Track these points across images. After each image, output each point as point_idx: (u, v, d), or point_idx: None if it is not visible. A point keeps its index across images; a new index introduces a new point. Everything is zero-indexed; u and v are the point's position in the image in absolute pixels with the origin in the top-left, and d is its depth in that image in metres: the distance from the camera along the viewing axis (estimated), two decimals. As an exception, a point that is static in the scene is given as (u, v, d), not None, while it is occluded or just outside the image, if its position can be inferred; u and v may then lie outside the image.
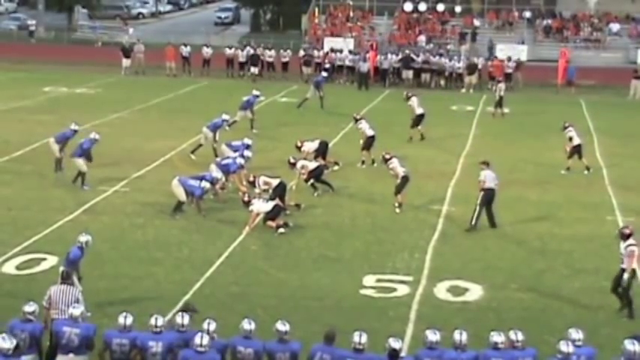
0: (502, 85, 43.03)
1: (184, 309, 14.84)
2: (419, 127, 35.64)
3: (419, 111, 35.67)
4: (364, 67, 51.60)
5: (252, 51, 54.69)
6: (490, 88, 50.54)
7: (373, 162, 30.79)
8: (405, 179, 26.02)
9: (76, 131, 28.86)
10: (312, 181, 27.38)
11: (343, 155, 31.60)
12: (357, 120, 32.45)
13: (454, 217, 25.58)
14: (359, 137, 32.02)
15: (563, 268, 21.77)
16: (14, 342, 13.03)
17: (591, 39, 64.25)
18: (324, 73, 47.96)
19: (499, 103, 42.18)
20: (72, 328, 13.94)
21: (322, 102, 43.28)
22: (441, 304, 19.44)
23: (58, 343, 13.97)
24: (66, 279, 15.73)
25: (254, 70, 53.39)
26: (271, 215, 23.95)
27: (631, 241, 18.64)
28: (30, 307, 14.09)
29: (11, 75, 52.34)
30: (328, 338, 13.86)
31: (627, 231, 18.93)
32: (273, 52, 54.95)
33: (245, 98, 37.15)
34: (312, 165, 27.73)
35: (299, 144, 29.51)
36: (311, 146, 29.64)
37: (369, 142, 31.21)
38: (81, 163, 27.19)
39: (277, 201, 24.42)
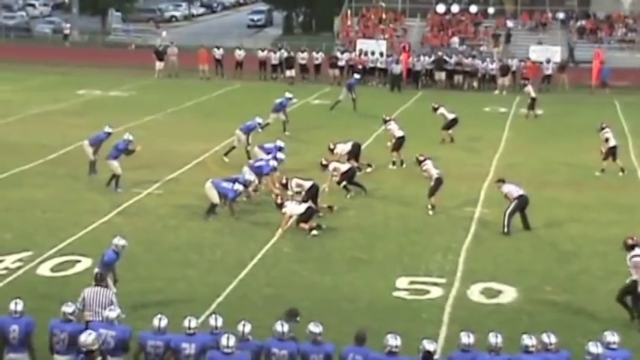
0: (530, 88, 42.79)
1: (289, 314, 14.93)
2: (450, 131, 35.48)
3: (451, 116, 35.54)
4: (397, 69, 51.57)
5: (286, 54, 54.77)
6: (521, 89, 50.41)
7: (402, 163, 30.80)
8: (439, 181, 25.95)
9: (109, 134, 29.03)
10: (344, 183, 27.39)
11: (375, 157, 31.56)
12: (386, 121, 32.44)
13: (487, 219, 25.49)
14: (388, 139, 32.00)
15: (598, 270, 21.64)
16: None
17: (626, 40, 63.78)
18: (357, 75, 47.87)
19: (532, 105, 41.99)
20: (108, 330, 14.02)
21: (355, 104, 43.27)
22: (474, 306, 19.38)
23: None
24: (100, 281, 15.82)
25: (289, 73, 53.46)
26: (304, 217, 23.97)
27: (636, 251, 18.35)
28: (69, 308, 14.20)
29: (46, 78, 52.71)
30: (359, 339, 13.87)
31: (631, 242, 18.63)
32: (306, 55, 55.03)
33: (278, 100, 37.18)
34: (344, 167, 27.74)
35: (331, 146, 29.54)
36: (344, 148, 29.65)
37: (399, 142, 31.19)
38: (116, 165, 27.33)
39: (310, 203, 24.45)
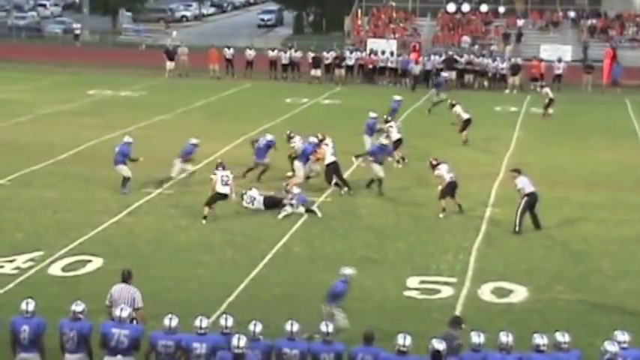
0: (548, 89, 42.66)
1: (453, 322, 14.97)
2: (464, 132, 35.39)
3: (465, 116, 35.46)
4: (416, 69, 51.53)
5: (313, 54, 54.74)
6: (534, 89, 50.32)
7: (399, 161, 31.03)
8: (452, 185, 25.77)
9: (196, 145, 28.96)
10: (334, 180, 27.73)
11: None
12: (387, 121, 32.45)
13: (498, 218, 25.45)
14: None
15: (609, 269, 21.59)
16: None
17: (637, 38, 63.62)
18: (445, 74, 47.41)
19: (548, 105, 41.75)
20: (121, 329, 14.05)
21: (434, 107, 42.73)
22: (485, 305, 19.36)
23: (106, 345, 14.05)
24: (127, 279, 15.85)
25: (316, 72, 53.45)
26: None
27: None
28: (79, 307, 14.23)
29: (56, 78, 52.84)
30: (367, 339, 13.89)
31: None
32: (333, 54, 55.02)
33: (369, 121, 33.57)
34: (330, 159, 27.84)
35: (291, 134, 29.85)
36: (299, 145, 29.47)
37: (396, 144, 31.22)
38: (125, 169, 27.33)
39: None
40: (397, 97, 36.85)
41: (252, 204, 26.01)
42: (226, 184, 24.93)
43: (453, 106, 36.00)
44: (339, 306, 16.63)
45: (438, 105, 42.02)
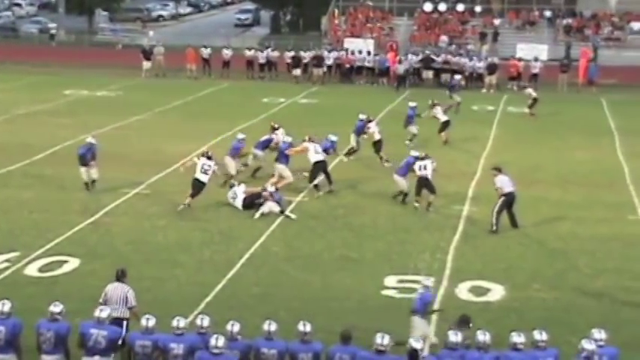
0: (531, 89, 42.62)
1: (461, 321, 15.01)
2: (443, 133, 35.32)
3: (443, 118, 35.42)
4: (400, 69, 51.47)
5: (293, 53, 54.75)
6: (511, 88, 50.48)
7: (387, 160, 30.94)
8: (421, 180, 26.07)
9: (243, 139, 29.17)
10: (315, 182, 27.75)
11: (363, 156, 31.59)
12: (369, 121, 32.39)
13: (475, 217, 25.52)
14: (369, 139, 31.91)
15: (586, 268, 21.69)
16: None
17: (612, 38, 63.94)
18: (457, 76, 47.24)
19: (533, 105, 41.68)
20: (99, 330, 14.00)
21: (449, 109, 42.44)
22: (462, 304, 19.38)
23: (84, 345, 14.01)
24: (121, 277, 15.93)
25: (295, 71, 53.47)
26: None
27: None
28: (57, 308, 14.17)
29: (32, 78, 52.56)
30: (344, 338, 13.90)
31: None
32: (310, 54, 55.01)
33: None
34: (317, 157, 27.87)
35: (275, 125, 30.31)
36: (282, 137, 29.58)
37: (379, 144, 31.24)
38: (94, 166, 27.23)
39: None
40: (412, 104, 36.28)
41: (234, 200, 25.99)
42: (205, 173, 25.46)
43: (434, 106, 35.89)
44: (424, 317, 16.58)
45: (458, 106, 41.95)
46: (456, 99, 41.85)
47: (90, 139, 27.76)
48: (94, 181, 27.28)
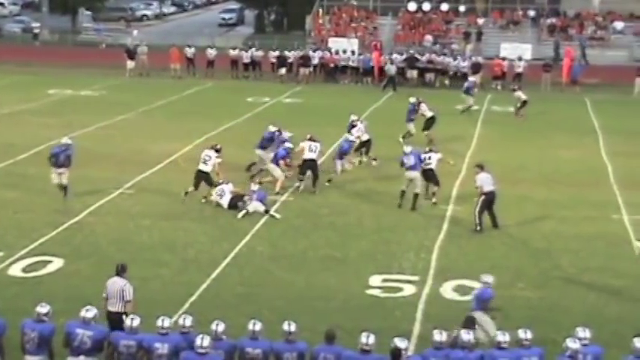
0: (520, 92, 42.45)
1: (467, 321, 15.03)
2: (427, 132, 35.23)
3: (429, 114, 35.40)
4: (392, 69, 51.33)
5: (277, 52, 54.68)
6: (495, 88, 50.59)
7: (375, 159, 30.93)
8: (426, 172, 26.50)
9: (275, 132, 29.41)
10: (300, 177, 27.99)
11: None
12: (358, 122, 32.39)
13: (460, 216, 25.55)
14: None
15: (570, 266, 21.75)
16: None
17: (595, 37, 64.13)
18: (472, 79, 47.06)
19: (521, 107, 41.61)
20: (85, 330, 13.97)
21: (466, 110, 42.52)
22: (447, 303, 19.43)
23: (69, 345, 13.99)
24: (120, 272, 16.00)
25: (281, 71, 53.42)
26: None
27: None
28: (43, 309, 14.13)
29: (16, 78, 52.31)
30: (329, 338, 13.90)
31: None
32: (294, 53, 54.96)
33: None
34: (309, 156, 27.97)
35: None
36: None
37: (367, 144, 31.27)
38: (65, 172, 26.11)
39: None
40: (412, 100, 36.10)
41: (220, 197, 25.95)
42: (205, 163, 26.18)
43: (418, 103, 35.89)
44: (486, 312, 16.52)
45: (469, 109, 41.94)
46: (469, 101, 41.84)
47: (66, 140, 27.01)
48: (65, 188, 26.12)
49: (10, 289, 19.32)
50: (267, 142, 29.26)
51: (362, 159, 31.20)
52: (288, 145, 28.37)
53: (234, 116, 39.74)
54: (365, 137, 31.35)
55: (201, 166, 26.29)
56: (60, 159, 26.06)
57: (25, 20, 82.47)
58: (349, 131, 31.50)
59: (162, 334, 13.79)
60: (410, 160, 26.34)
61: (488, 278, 16.94)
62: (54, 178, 26.10)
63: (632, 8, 66.32)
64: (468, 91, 42.67)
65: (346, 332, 15.41)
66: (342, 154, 29.47)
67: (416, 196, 26.29)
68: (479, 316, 16.18)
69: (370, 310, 18.82)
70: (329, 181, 28.61)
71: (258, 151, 29.24)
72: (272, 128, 29.81)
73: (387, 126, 34.96)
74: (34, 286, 19.65)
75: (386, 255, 22.37)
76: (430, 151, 27.07)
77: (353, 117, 32.59)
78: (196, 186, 26.18)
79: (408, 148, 26.85)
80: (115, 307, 15.55)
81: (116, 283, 15.80)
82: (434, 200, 26.38)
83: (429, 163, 26.55)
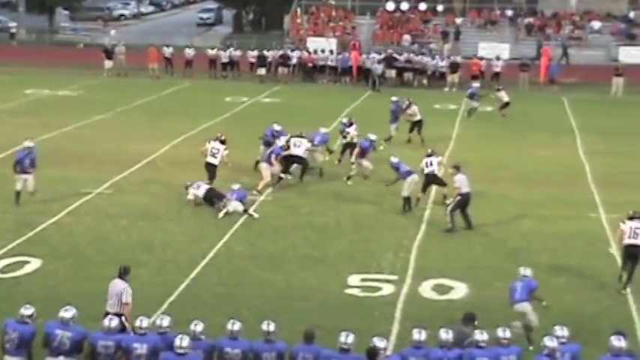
0: (503, 92, 42.37)
1: (467, 318, 15.04)
2: (412, 133, 35.25)
3: (418, 117, 35.36)
4: (378, 69, 51.29)
5: (257, 52, 54.55)
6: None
7: (339, 162, 31.04)
8: (430, 177, 26.52)
9: (278, 129, 29.78)
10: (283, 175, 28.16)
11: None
12: (351, 124, 32.18)
13: (438, 216, 25.57)
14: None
15: (547, 265, 21.81)
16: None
17: (573, 37, 64.38)
18: (476, 84, 46.82)
19: (504, 107, 41.60)
20: (64, 331, 13.93)
21: (473, 112, 42.44)
22: (426, 302, 19.47)
23: (48, 345, 13.94)
24: (122, 274, 16.21)
25: (260, 71, 53.30)
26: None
27: None
28: (27, 311, 14.12)
29: (-8, 78, 52.11)
30: (308, 337, 13.92)
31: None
32: (273, 53, 54.81)
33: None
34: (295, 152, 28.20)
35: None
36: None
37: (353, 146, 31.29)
38: (30, 178, 25.73)
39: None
40: (394, 99, 36.06)
41: (198, 188, 25.97)
42: (213, 156, 26.71)
43: (409, 104, 35.86)
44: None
45: (474, 112, 41.86)
46: (473, 105, 41.86)
47: (27, 143, 26.34)
48: (33, 192, 25.77)
49: (-13, 290, 19.25)
50: (271, 139, 29.45)
51: (341, 158, 31.12)
52: (283, 141, 28.53)
53: (213, 116, 39.69)
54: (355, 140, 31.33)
55: (210, 159, 26.84)
56: (25, 164, 25.63)
57: (2, 20, 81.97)
58: (341, 132, 31.53)
59: (141, 335, 13.77)
60: (404, 167, 26.53)
61: (527, 271, 17.38)
62: (18, 186, 25.65)
63: (609, 8, 66.70)
64: (472, 97, 42.47)
65: (325, 332, 15.42)
66: (363, 152, 29.20)
67: (418, 199, 26.46)
68: (525, 306, 16.66)
69: (349, 309, 18.84)
70: (348, 178, 29.06)
71: (263, 148, 29.59)
72: (277, 127, 30.09)
73: (367, 126, 34.84)
74: (11, 286, 19.58)
75: (365, 254, 22.40)
76: (430, 155, 26.79)
77: (344, 120, 32.66)
78: (211, 179, 26.68)
79: (395, 159, 26.97)
80: (113, 308, 15.62)
81: (117, 286, 15.92)
82: (447, 202, 26.08)
83: (431, 168, 26.45)
